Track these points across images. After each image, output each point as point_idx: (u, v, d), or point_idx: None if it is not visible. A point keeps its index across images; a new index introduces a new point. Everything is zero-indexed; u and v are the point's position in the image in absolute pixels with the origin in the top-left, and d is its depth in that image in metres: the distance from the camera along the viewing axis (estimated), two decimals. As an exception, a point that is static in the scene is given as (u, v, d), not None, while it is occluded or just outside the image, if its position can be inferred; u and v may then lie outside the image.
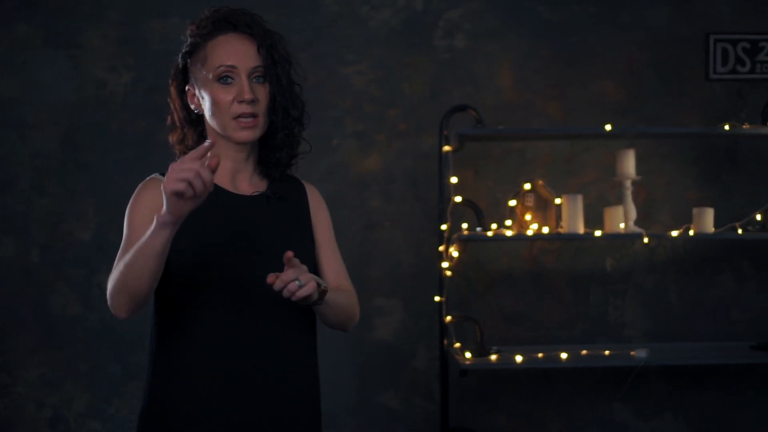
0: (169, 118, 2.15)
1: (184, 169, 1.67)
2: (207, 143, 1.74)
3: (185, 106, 2.09)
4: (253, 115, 1.99)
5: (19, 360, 4.06)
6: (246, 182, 2.09)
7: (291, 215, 2.11)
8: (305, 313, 2.08)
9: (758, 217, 3.88)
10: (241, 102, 1.97)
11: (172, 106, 2.12)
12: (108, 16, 4.08)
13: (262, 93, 2.00)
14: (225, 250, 1.99)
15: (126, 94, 4.09)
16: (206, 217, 1.98)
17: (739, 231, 3.83)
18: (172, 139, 2.14)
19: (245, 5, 2.14)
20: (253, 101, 1.97)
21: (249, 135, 2.00)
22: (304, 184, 2.21)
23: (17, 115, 4.06)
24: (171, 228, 1.76)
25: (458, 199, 3.79)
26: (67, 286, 4.06)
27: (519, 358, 3.70)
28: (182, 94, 2.09)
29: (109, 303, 1.88)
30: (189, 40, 2.06)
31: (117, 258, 1.93)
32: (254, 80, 2.00)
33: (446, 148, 3.76)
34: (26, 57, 4.07)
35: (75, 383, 4.07)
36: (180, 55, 2.08)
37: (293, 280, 1.82)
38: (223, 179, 2.06)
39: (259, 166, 2.11)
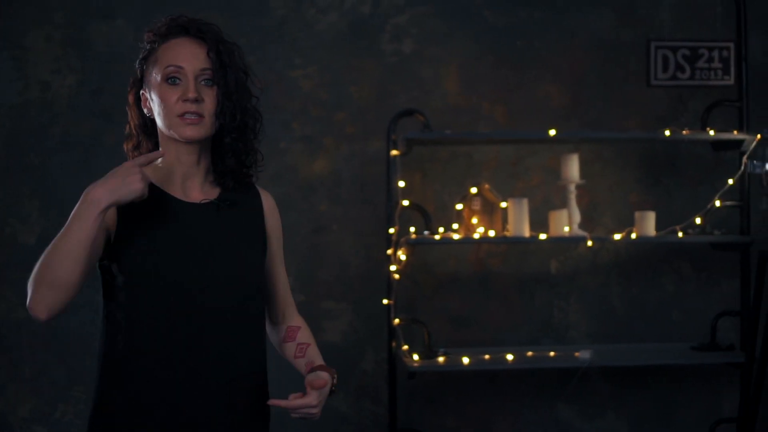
0: (127, 126, 2.15)
1: (132, 170, 1.85)
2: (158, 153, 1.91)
3: (141, 114, 2.10)
4: (198, 115, 2.00)
5: (-39, 365, 4.01)
6: (197, 189, 2.09)
7: (242, 223, 2.12)
8: (254, 319, 2.11)
9: (698, 220, 3.96)
10: (185, 101, 1.98)
11: (129, 114, 2.13)
12: (52, 18, 4.04)
13: (209, 95, 2.01)
14: (173, 257, 1.99)
15: (71, 96, 4.05)
16: (155, 224, 2.00)
17: (680, 234, 3.91)
18: (127, 146, 2.16)
19: (192, 7, 2.15)
20: (197, 100, 1.98)
21: (193, 132, 2.00)
22: (260, 192, 2.22)
23: (-41, 117, 4.02)
24: (104, 213, 1.81)
25: (406, 202, 3.82)
26: (11, 291, 4.01)
27: (466, 360, 3.75)
28: (139, 101, 2.10)
29: (28, 301, 1.82)
30: (146, 46, 2.07)
31: None
32: (202, 83, 2.01)
33: (394, 152, 3.79)
34: (-31, 58, 4.02)
35: (20, 388, 4.02)
36: (137, 63, 2.09)
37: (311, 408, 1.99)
38: (173, 186, 2.06)
39: (211, 174, 2.12)
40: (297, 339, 2.25)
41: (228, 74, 2.02)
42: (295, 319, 2.31)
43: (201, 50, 2.02)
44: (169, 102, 2.00)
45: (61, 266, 1.78)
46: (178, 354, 1.97)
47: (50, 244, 1.81)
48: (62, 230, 1.81)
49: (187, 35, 2.04)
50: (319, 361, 2.16)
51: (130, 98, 2.11)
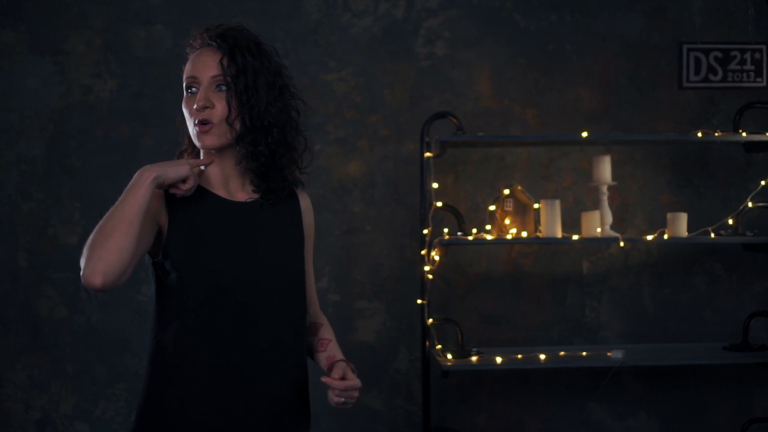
0: (180, 134, 2.24)
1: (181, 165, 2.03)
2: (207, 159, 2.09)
3: None
4: (209, 121, 2.06)
5: (6, 362, 4.11)
6: (239, 190, 2.16)
7: (284, 221, 2.20)
8: (297, 313, 2.18)
9: (730, 221, 3.98)
10: (196, 110, 2.06)
11: (184, 124, 2.20)
12: (92, 23, 4.13)
13: (221, 101, 2.07)
14: (222, 253, 2.07)
15: (111, 100, 4.14)
16: (203, 222, 2.08)
17: (712, 235, 3.92)
18: (178, 151, 2.25)
19: (227, 12, 2.20)
20: (205, 108, 2.05)
21: (207, 140, 2.07)
22: (297, 192, 2.29)
23: (3, 120, 4.11)
24: (154, 183, 1.95)
25: (439, 203, 3.87)
26: (53, 290, 4.11)
27: (499, 359, 3.78)
28: None
29: (82, 272, 1.86)
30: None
31: None
32: (215, 89, 2.07)
33: (428, 154, 3.83)
34: (12, 63, 4.11)
35: (62, 385, 4.12)
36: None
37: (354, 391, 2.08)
38: (217, 187, 2.14)
39: (250, 174, 2.18)
40: (319, 335, 2.32)
41: (239, 79, 2.06)
42: (318, 317, 2.38)
43: (215, 57, 2.08)
44: (188, 112, 2.09)
45: (114, 229, 1.87)
46: (226, 347, 2.05)
47: (103, 218, 1.91)
48: (114, 204, 1.92)
49: (207, 45, 2.11)
50: (340, 356, 2.24)
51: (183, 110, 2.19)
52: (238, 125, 2.07)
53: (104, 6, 4.13)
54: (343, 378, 2.09)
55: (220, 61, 2.06)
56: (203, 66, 2.07)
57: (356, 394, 2.09)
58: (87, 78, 4.14)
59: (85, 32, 4.13)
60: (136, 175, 1.95)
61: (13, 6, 4.11)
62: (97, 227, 1.89)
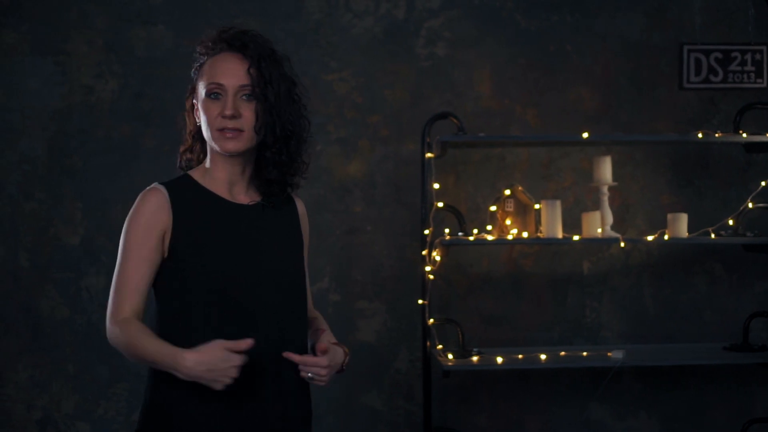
0: (184, 131, 2.26)
1: (229, 368, 1.93)
2: (248, 342, 1.97)
3: (195, 121, 2.19)
4: (237, 130, 2.07)
5: (7, 362, 4.11)
6: (243, 193, 2.19)
7: (284, 224, 2.23)
8: (297, 315, 2.20)
9: (730, 222, 3.98)
10: (223, 117, 2.06)
11: (186, 120, 2.23)
12: (94, 23, 4.13)
13: (249, 110, 2.09)
14: (224, 255, 2.09)
15: (112, 100, 4.14)
16: (207, 223, 2.10)
17: (712, 236, 3.93)
18: (182, 149, 2.26)
19: (229, 13, 2.21)
20: (233, 117, 2.06)
21: (232, 146, 2.09)
22: (294, 197, 2.32)
23: (5, 120, 4.11)
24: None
25: (440, 204, 3.87)
26: (55, 290, 4.11)
27: (499, 359, 3.79)
28: (193, 109, 2.20)
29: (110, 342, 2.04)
30: (198, 58, 2.17)
31: (115, 275, 2.06)
32: (243, 98, 2.09)
33: (428, 154, 3.83)
34: (14, 63, 4.11)
35: (63, 385, 4.12)
36: (192, 72, 2.18)
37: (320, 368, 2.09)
38: (221, 189, 2.16)
39: (255, 180, 2.20)
40: (314, 326, 2.35)
41: (268, 89, 2.08)
42: (311, 311, 2.40)
43: (242, 66, 2.09)
44: (210, 116, 2.08)
45: (138, 361, 2.02)
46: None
47: (132, 340, 1.99)
48: (145, 342, 1.98)
49: (230, 50, 2.11)
50: (333, 341, 2.26)
51: (187, 105, 2.21)
52: (263, 134, 2.10)
53: (105, 6, 4.13)
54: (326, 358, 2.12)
55: (248, 70, 2.08)
56: (229, 74, 2.08)
57: (323, 372, 2.09)
58: (88, 78, 4.14)
59: (87, 32, 4.14)
60: (175, 361, 1.95)
61: (14, 6, 4.11)
62: (124, 348, 2.01)
